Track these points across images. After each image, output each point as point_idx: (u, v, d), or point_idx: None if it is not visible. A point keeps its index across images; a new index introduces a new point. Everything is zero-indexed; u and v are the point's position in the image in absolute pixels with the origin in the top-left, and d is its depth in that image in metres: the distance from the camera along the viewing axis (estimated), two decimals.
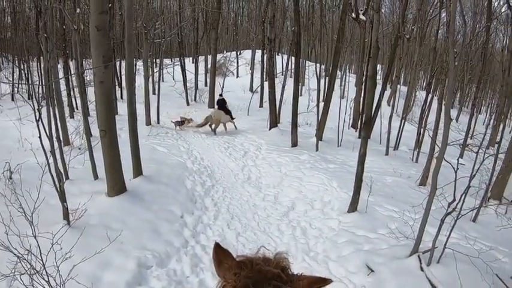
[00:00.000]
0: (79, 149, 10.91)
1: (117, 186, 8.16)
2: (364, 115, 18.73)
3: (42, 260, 4.36)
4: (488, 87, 37.11)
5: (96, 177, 9.03)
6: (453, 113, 32.36)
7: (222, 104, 18.25)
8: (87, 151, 9.16)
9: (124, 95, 22.07)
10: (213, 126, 17.08)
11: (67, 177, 8.59)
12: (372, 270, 6.47)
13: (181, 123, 17.11)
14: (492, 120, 25.81)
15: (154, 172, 10.23)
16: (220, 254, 1.36)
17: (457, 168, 6.23)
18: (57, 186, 6.45)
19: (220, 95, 19.24)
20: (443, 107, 11.20)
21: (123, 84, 23.56)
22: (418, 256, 6.51)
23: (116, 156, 8.18)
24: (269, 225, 8.62)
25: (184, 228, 7.83)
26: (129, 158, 9.47)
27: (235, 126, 17.98)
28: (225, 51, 39.35)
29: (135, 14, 19.17)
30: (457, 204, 6.29)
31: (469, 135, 18.32)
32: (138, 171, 9.57)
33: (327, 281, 1.34)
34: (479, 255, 6.04)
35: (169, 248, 6.85)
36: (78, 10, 15.35)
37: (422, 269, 6.26)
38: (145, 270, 6.04)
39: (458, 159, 6.90)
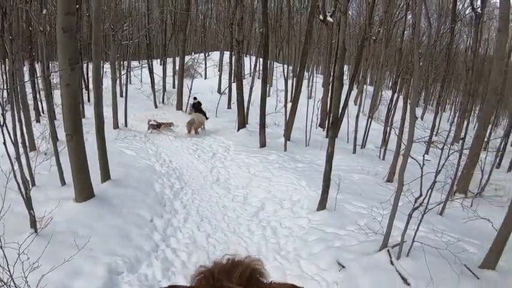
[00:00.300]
0: (45, 154, 10.70)
1: (84, 192, 8.05)
2: (331, 115, 19.04)
3: (9, 271, 4.29)
4: (452, 86, 37.97)
5: (63, 183, 8.86)
6: (418, 111, 33.08)
7: (198, 107, 18.39)
8: (54, 156, 9.00)
9: (91, 97, 21.68)
10: (192, 128, 17.22)
11: (33, 184, 8.47)
12: (343, 267, 6.61)
13: (157, 126, 17.02)
14: (456, 118, 26.51)
15: (123, 176, 10.13)
16: None
17: (423, 165, 6.42)
18: (23, 193, 6.33)
19: (195, 98, 19.28)
20: (408, 105, 11.48)
21: (90, 86, 23.23)
22: (388, 251, 6.69)
23: (83, 161, 8.05)
24: (239, 226, 8.68)
25: (154, 232, 7.79)
26: (97, 162, 9.34)
27: (204, 127, 18.00)
28: (193, 53, 39.17)
29: (102, 15, 18.88)
30: (423, 199, 6.49)
31: (434, 133, 18.77)
32: (106, 175, 9.46)
33: None
34: (447, 247, 6.26)
35: (140, 253, 6.81)
36: (44, 11, 15.08)
37: (392, 263, 6.45)
38: (116, 276, 5.99)
39: (423, 156, 7.12)
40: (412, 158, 6.52)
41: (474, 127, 21.39)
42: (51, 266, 4.91)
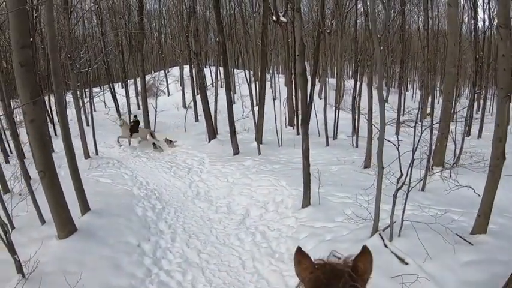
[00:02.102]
0: (20, 194, 10.40)
1: (66, 227, 7.84)
2: (299, 112, 19.14)
3: None
4: (411, 65, 38.61)
5: (43, 221, 8.58)
6: (383, 94, 33.51)
7: (136, 126, 18.71)
8: (29, 196, 8.75)
9: (58, 131, 21.32)
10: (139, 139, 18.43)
11: (13, 227, 8.20)
12: (339, 258, 6.58)
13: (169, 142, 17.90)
14: (420, 95, 27.04)
15: (102, 205, 9.91)
16: (300, 256, 1.65)
17: (399, 145, 6.50)
18: (4, 238, 6.14)
19: (135, 116, 19.15)
20: (375, 90, 11.64)
21: (55, 119, 22.79)
22: (380, 234, 6.75)
23: (60, 196, 7.82)
24: (228, 236, 8.64)
25: (144, 257, 7.65)
26: (74, 196, 9.10)
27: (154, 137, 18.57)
28: (153, 72, 38.84)
29: (58, 45, 18.43)
30: (405, 178, 6.57)
31: (402, 113, 19.10)
32: (85, 207, 9.25)
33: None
34: (437, 220, 6.39)
35: (134, 281, 6.67)
36: None
37: (386, 246, 6.51)
38: None
39: (397, 137, 7.20)
40: (388, 140, 6.60)
41: (438, 101, 21.88)
42: None
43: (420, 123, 8.91)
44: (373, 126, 11.21)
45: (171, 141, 18.14)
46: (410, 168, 6.75)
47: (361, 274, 1.57)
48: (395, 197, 6.56)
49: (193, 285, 6.63)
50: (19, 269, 6.27)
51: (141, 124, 19.54)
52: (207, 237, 8.65)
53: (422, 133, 7.32)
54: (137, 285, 6.57)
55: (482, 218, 6.49)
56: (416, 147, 7.04)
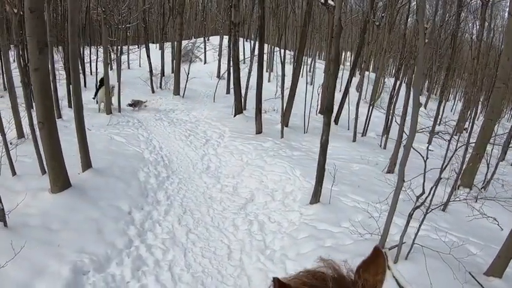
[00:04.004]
0: (10, 143, 10.06)
1: (60, 182, 7.58)
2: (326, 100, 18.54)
3: None
4: (456, 75, 37.35)
5: (44, 171, 8.31)
6: (422, 99, 32.40)
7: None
8: (31, 145, 8.57)
9: (88, 83, 21.38)
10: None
11: (14, 173, 8.04)
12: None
13: (134, 105, 18.03)
14: (460, 107, 26.00)
15: (108, 164, 9.66)
16: None
17: (427, 158, 5.88)
18: None
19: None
20: (412, 90, 10.91)
21: (87, 71, 22.92)
22: (385, 253, 6.15)
23: (56, 150, 7.55)
24: (224, 220, 8.21)
25: (130, 226, 7.27)
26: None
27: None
28: (192, 37, 38.67)
29: None
30: (426, 197, 5.97)
31: (438, 122, 18.28)
32: (87, 164, 9.00)
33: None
34: (451, 251, 5.74)
35: (111, 250, 6.30)
36: None
37: (388, 267, 5.88)
38: (81, 276, 5.52)
39: (428, 147, 6.52)
40: (415, 149, 6.00)
41: (478, 117, 20.90)
42: (16, 264, 4.76)
43: (456, 137, 8.22)
44: (403, 132, 10.57)
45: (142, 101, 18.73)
46: (434, 188, 6.12)
47: None
48: (410, 216, 5.91)
49: (171, 267, 6.21)
50: (1, 216, 6.06)
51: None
52: (201, 217, 8.24)
53: (456, 150, 6.71)
54: (112, 256, 6.20)
55: (502, 260, 5.74)
56: (447, 165, 6.44)
